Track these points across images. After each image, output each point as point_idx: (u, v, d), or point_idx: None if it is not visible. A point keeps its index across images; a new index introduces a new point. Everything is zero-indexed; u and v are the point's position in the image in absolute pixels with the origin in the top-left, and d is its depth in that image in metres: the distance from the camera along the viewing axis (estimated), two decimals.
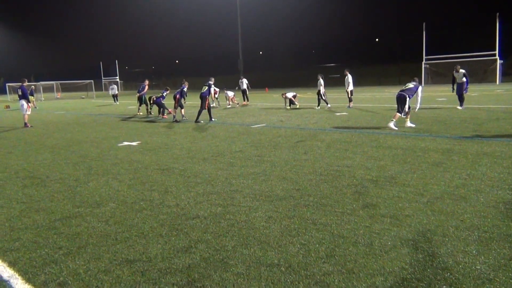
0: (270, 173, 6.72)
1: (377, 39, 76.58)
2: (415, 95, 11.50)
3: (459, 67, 16.92)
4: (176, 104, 16.73)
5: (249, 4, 69.45)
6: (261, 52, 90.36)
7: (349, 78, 19.53)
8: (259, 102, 27.23)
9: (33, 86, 35.46)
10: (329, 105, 20.24)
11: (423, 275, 3.16)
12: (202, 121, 15.43)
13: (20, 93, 16.72)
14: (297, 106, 20.99)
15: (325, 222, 4.38)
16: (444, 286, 2.99)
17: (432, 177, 6.00)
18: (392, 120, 11.39)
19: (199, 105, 15.71)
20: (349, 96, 19.60)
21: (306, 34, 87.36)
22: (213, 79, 16.37)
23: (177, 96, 16.65)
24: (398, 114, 11.39)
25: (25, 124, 16.42)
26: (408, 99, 11.26)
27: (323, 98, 20.24)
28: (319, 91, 20.34)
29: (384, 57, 65.73)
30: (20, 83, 17.10)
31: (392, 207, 4.76)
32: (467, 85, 16.79)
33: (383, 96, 29.55)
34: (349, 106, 19.44)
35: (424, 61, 45.99)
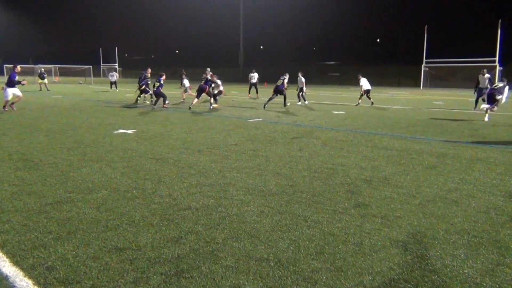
0: (264, 168, 6.72)
1: (378, 40, 76.57)
2: (504, 92, 13.83)
3: (485, 70, 16.74)
4: (210, 94, 17.52)
5: None
6: (262, 47, 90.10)
7: (362, 80, 20.10)
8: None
9: (42, 69, 36.55)
10: (305, 102, 20.82)
11: (411, 276, 3.18)
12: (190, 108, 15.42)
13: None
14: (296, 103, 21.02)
15: (316, 219, 4.39)
16: None
17: (425, 180, 6.02)
18: (486, 114, 13.68)
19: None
20: (367, 95, 20.27)
21: (307, 31, 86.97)
22: (209, 69, 17.20)
23: (206, 88, 17.24)
24: (487, 106, 13.69)
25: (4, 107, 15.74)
26: (499, 96, 13.61)
27: (302, 95, 20.92)
28: (301, 88, 20.81)
29: (384, 58, 65.76)
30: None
31: (384, 208, 4.77)
32: (508, 94, 16.11)
33: (382, 97, 29.53)
34: (371, 103, 20.45)
35: (424, 64, 46.05)
